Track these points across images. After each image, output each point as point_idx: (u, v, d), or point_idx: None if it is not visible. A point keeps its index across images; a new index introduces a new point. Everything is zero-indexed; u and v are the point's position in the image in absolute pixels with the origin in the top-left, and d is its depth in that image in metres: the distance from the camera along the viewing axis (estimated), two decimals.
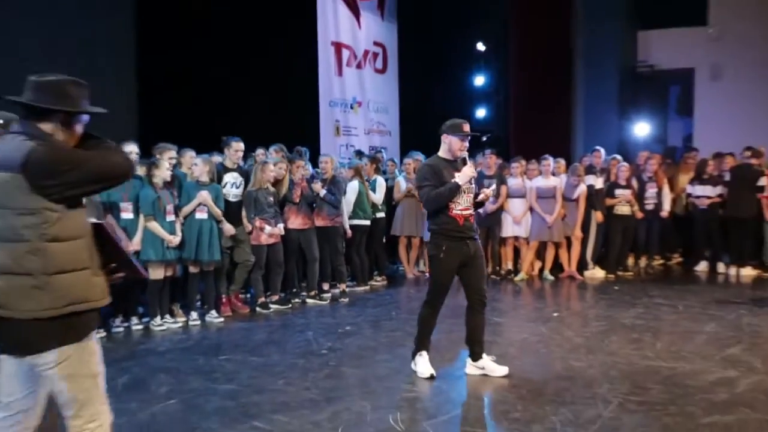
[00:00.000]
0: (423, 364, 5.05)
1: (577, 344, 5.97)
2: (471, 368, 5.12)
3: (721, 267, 9.85)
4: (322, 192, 7.94)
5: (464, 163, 4.94)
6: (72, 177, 2.49)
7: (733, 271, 9.62)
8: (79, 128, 2.65)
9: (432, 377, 4.95)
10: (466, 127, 4.95)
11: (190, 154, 7.39)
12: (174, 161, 7.05)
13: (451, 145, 4.93)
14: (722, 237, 9.80)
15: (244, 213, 7.36)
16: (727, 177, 9.77)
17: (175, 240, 6.66)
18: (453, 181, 4.83)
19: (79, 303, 2.54)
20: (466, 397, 4.71)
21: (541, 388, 4.76)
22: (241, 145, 7.48)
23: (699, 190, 9.89)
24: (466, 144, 4.97)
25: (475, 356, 5.10)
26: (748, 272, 9.51)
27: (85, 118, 2.67)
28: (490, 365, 5.09)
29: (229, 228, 7.14)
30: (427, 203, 4.92)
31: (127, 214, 6.61)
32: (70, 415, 2.62)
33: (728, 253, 9.79)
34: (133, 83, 9.73)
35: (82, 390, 2.59)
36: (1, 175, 2.47)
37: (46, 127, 2.56)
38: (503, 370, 5.06)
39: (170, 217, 6.69)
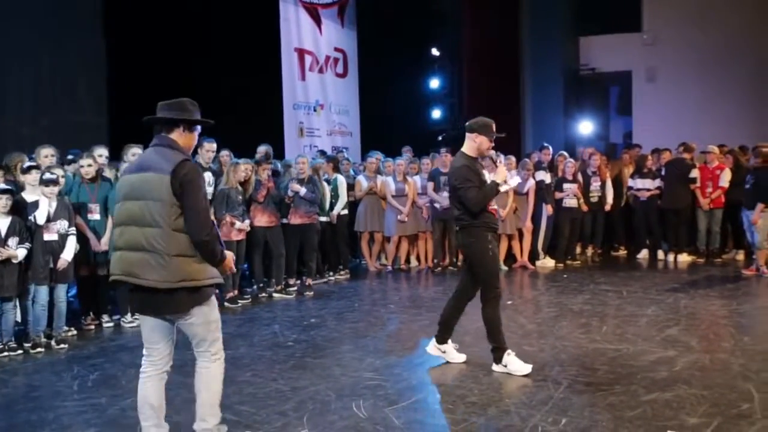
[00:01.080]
0: (517, 362, 4.71)
1: (530, 330, 5.97)
2: (433, 349, 5.09)
3: (660, 254, 9.99)
4: (303, 191, 7.85)
5: (493, 161, 4.94)
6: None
7: (671, 257, 9.75)
8: (195, 135, 3.45)
9: (530, 373, 4.64)
10: (494, 127, 4.83)
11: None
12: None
13: (481, 144, 4.76)
14: (661, 226, 9.94)
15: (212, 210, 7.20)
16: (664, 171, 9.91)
17: None
18: (493, 180, 4.75)
19: (190, 280, 3.20)
20: (426, 383, 4.64)
21: (497, 372, 4.72)
22: (213, 146, 7.40)
23: (639, 183, 10.00)
24: (493, 143, 4.87)
25: (442, 339, 5.10)
26: (684, 258, 9.65)
27: (199, 127, 3.46)
28: (451, 351, 5.08)
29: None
30: (477, 204, 4.69)
31: (94, 215, 6.37)
32: (201, 350, 3.44)
33: (666, 242, 9.94)
34: (104, 88, 9.46)
35: (209, 333, 3.39)
36: (151, 175, 3.19)
37: (174, 134, 3.34)
38: (461, 358, 5.06)
39: None
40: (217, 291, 3.58)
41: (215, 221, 3.74)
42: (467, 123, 4.89)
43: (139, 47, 9.39)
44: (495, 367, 4.79)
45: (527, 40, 14.47)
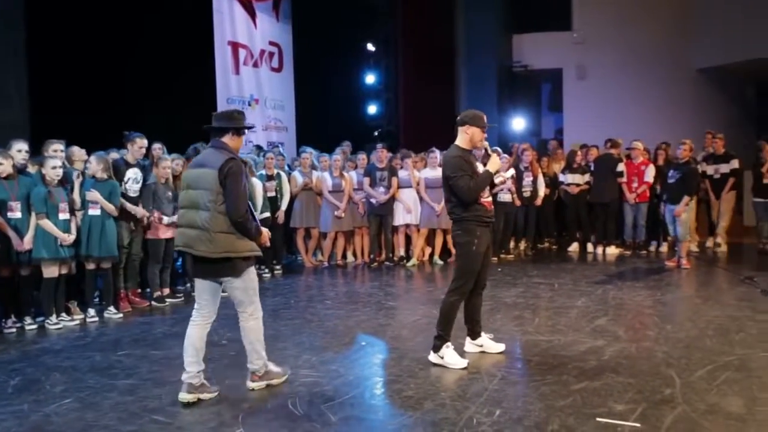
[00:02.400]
0: (454, 356, 4.77)
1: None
2: (470, 346, 5.08)
3: (589, 247, 10.29)
4: None
5: (486, 152, 4.90)
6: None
7: (599, 250, 10.05)
8: (242, 138, 4.32)
9: (466, 367, 4.69)
10: (485, 119, 4.82)
11: (78, 150, 6.97)
12: (62, 154, 6.62)
13: (473, 135, 4.75)
14: (590, 220, 10.24)
15: (137, 210, 6.99)
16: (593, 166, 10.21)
17: (69, 238, 6.22)
18: (486, 169, 4.73)
19: (230, 252, 4.07)
20: (362, 378, 4.64)
21: (432, 366, 4.76)
22: (144, 141, 7.15)
23: (569, 178, 10.26)
24: (486, 134, 4.85)
25: (474, 335, 5.08)
26: (612, 251, 9.98)
27: (245, 132, 4.36)
28: (488, 342, 5.08)
29: (142, 213, 6.87)
30: (470, 193, 4.64)
31: (14, 214, 6.09)
32: (240, 310, 4.35)
33: (595, 235, 10.24)
34: (25, 83, 9.05)
35: (247, 296, 4.28)
36: (206, 170, 4.07)
37: (225, 138, 4.19)
38: (500, 347, 5.06)
39: (64, 215, 6.24)
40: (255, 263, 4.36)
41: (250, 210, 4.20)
42: (458, 117, 4.86)
43: (65, 37, 9.04)
44: (431, 356, 4.82)
45: (462, 36, 14.61)
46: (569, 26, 14.53)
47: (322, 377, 4.60)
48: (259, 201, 8.33)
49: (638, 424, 3.59)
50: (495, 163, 4.80)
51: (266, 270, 8.90)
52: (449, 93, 14.77)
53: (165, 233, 7.10)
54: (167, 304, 7.17)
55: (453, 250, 9.57)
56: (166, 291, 7.32)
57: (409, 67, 14.71)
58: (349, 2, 13.99)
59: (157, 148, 7.80)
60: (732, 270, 8.55)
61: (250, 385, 4.41)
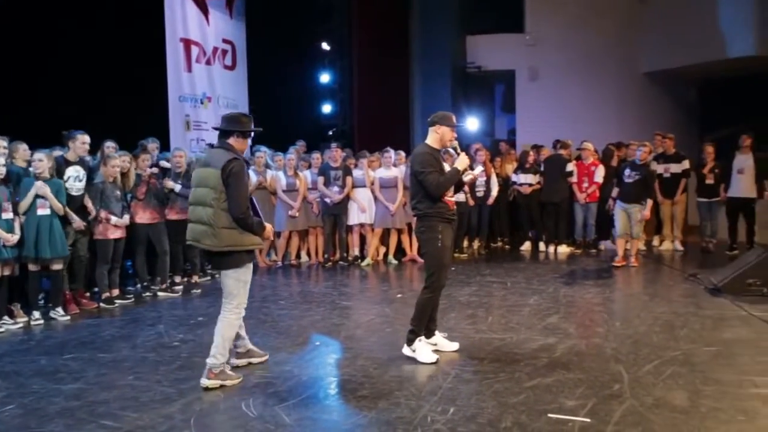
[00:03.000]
0: (426, 351, 4.86)
1: None
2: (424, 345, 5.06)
3: (541, 246, 10.45)
4: (177, 187, 7.56)
5: (456, 151, 4.94)
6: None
7: (551, 249, 10.23)
8: (248, 140, 4.62)
9: (437, 362, 4.79)
10: (455, 119, 4.91)
11: (23, 148, 6.73)
12: (5, 151, 6.41)
13: (444, 134, 4.85)
14: (541, 219, 10.41)
15: (90, 206, 6.82)
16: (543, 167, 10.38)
17: (13, 238, 6.02)
18: (455, 167, 4.82)
19: (233, 246, 4.35)
20: (316, 379, 4.62)
21: (387, 365, 4.77)
22: (86, 138, 6.94)
23: (522, 178, 10.42)
24: (455, 134, 4.93)
25: (429, 333, 5.07)
26: (563, 250, 10.17)
27: (251, 134, 4.66)
28: (442, 341, 5.10)
29: (78, 223, 6.61)
30: (438, 188, 4.75)
31: None
32: (226, 301, 4.51)
33: (546, 234, 10.41)
34: None
35: (237, 289, 4.47)
36: (210, 170, 4.34)
37: (231, 140, 4.47)
38: (454, 346, 5.09)
39: (7, 215, 6.04)
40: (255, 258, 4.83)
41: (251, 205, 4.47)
42: (429, 118, 4.96)
43: (10, 29, 8.77)
44: (404, 350, 4.91)
45: (416, 36, 14.66)
46: (522, 28, 14.73)
47: (276, 378, 4.56)
48: None
49: (588, 419, 3.67)
50: (463, 161, 4.89)
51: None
52: (404, 93, 14.82)
53: (114, 233, 6.94)
54: (116, 305, 7.01)
55: (408, 250, 9.65)
56: (116, 292, 7.15)
57: (364, 67, 14.70)
58: (304, 1, 13.91)
59: (110, 146, 7.62)
60: (677, 268, 8.81)
61: (204, 382, 4.38)
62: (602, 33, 14.03)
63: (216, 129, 4.62)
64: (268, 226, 4.62)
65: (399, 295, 7.34)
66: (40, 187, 6.26)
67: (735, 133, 10.11)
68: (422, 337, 4.92)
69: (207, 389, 4.34)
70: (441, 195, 4.79)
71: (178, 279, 7.74)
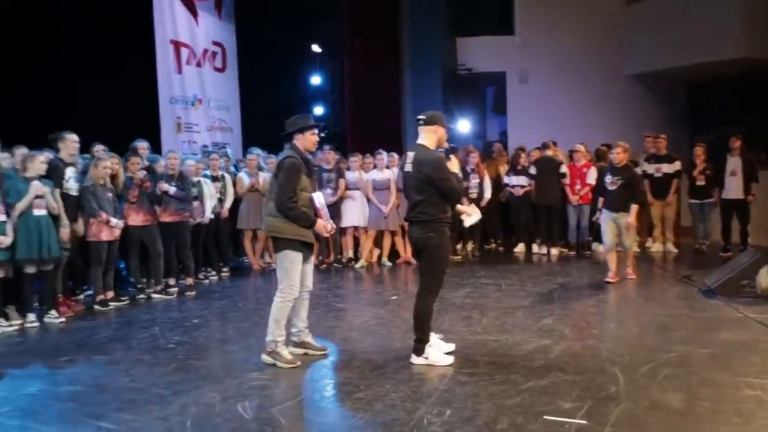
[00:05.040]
0: (438, 353, 4.83)
1: None
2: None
3: (535, 248, 10.49)
4: (172, 189, 7.55)
5: (448, 155, 4.89)
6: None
7: (545, 251, 10.27)
8: (308, 135, 4.97)
9: (451, 364, 4.76)
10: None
11: (20, 152, 6.70)
12: None
13: (442, 136, 4.80)
14: (534, 221, 10.45)
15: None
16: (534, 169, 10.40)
17: (6, 240, 5.99)
18: (454, 172, 4.85)
19: (275, 232, 4.84)
20: (312, 381, 4.62)
21: (382, 367, 4.78)
22: (75, 137, 6.95)
23: (514, 180, 10.45)
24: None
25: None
26: (556, 251, 10.21)
27: (313, 128, 4.99)
28: (437, 343, 5.03)
29: (66, 232, 6.57)
30: (460, 195, 4.88)
31: None
32: (277, 285, 4.87)
33: (540, 236, 10.45)
34: None
35: (281, 274, 4.86)
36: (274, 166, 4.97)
37: (294, 141, 4.95)
38: (449, 347, 5.05)
39: (1, 216, 6.01)
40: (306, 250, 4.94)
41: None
42: (422, 117, 4.84)
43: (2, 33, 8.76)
44: (414, 360, 4.81)
45: (407, 38, 14.65)
46: (512, 30, 14.78)
47: (271, 380, 4.56)
48: (210, 202, 8.32)
49: (584, 421, 3.69)
50: (455, 164, 4.91)
51: (213, 272, 8.78)
52: (395, 95, 14.83)
53: (108, 235, 6.91)
54: (111, 307, 6.99)
55: (402, 252, 9.65)
56: (110, 294, 7.11)
57: (355, 68, 14.69)
58: (294, 3, 13.90)
59: (100, 149, 7.61)
60: (670, 269, 8.86)
61: (263, 357, 4.88)
62: (591, 35, 14.09)
63: (282, 135, 5.05)
64: (319, 222, 4.86)
65: (393, 297, 7.36)
66: (38, 187, 6.24)
67: (724, 134, 10.19)
68: (431, 342, 4.84)
69: (265, 362, 4.84)
70: (460, 201, 4.89)
71: (172, 281, 7.70)
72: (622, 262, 8.00)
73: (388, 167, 9.62)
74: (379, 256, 9.72)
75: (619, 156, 7.90)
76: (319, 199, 4.95)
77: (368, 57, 14.25)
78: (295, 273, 4.83)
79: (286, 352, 4.87)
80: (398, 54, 14.87)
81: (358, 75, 14.52)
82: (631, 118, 13.53)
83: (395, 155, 9.81)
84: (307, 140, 4.94)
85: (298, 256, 4.83)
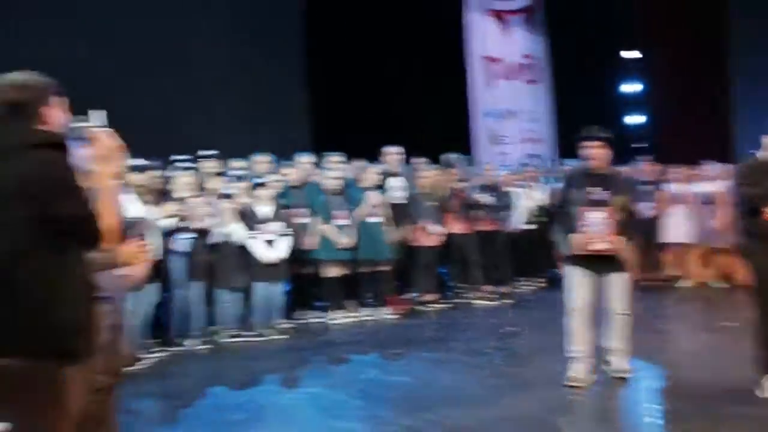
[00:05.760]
0: None
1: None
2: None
3: None
4: (487, 199, 7.88)
5: None
6: None
7: None
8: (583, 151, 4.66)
9: None
10: None
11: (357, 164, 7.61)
12: (342, 166, 7.34)
13: None
14: None
15: None
16: None
17: (349, 242, 6.83)
18: None
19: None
20: (634, 403, 4.34)
21: (719, 398, 4.16)
22: (396, 149, 7.77)
23: None
24: None
25: None
26: None
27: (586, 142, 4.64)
28: None
29: (394, 236, 7.21)
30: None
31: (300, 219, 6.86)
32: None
33: None
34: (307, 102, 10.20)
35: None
36: None
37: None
38: None
39: (343, 221, 6.89)
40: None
41: None
42: None
43: (340, 47, 10.13)
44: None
45: (736, 29, 13.22)
46: None
47: (581, 395, 4.40)
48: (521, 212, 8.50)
49: None
50: None
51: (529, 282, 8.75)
52: (721, 100, 13.44)
53: (428, 241, 7.44)
54: (433, 308, 7.42)
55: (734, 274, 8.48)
56: (433, 296, 7.54)
57: (672, 73, 13.65)
58: (604, 10, 13.41)
59: (420, 161, 8.18)
60: None
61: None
62: None
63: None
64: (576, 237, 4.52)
65: (725, 323, 6.57)
66: (373, 197, 7.06)
67: None
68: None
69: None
70: None
71: (490, 288, 7.87)
72: None
73: (714, 180, 8.71)
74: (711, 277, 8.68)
75: None
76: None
77: (687, 57, 13.18)
78: (569, 293, 4.70)
79: (575, 365, 4.57)
80: (725, 54, 13.50)
81: (676, 79, 13.50)
82: None
83: (726, 166, 8.84)
84: (581, 152, 4.70)
85: (569, 273, 4.68)
